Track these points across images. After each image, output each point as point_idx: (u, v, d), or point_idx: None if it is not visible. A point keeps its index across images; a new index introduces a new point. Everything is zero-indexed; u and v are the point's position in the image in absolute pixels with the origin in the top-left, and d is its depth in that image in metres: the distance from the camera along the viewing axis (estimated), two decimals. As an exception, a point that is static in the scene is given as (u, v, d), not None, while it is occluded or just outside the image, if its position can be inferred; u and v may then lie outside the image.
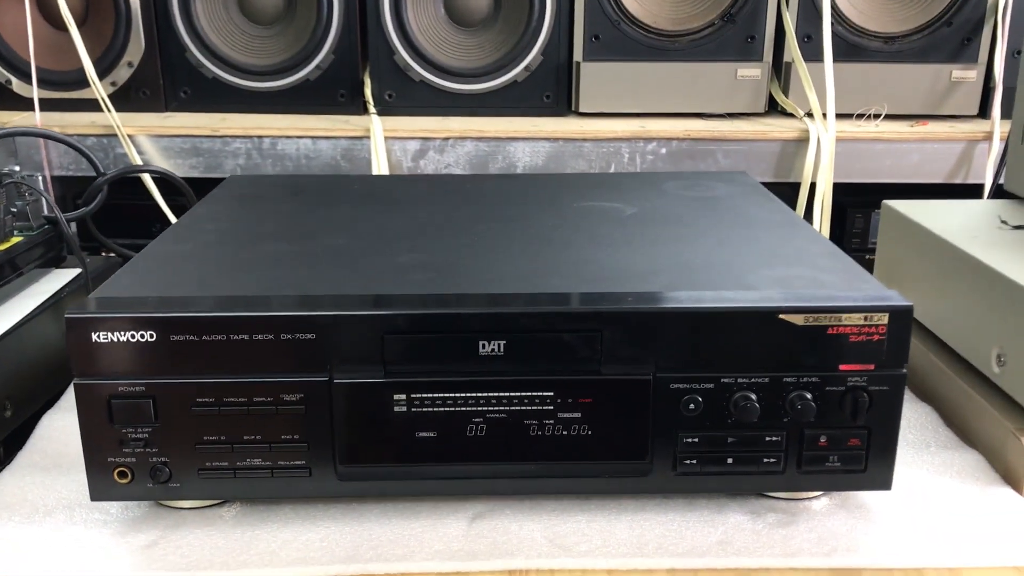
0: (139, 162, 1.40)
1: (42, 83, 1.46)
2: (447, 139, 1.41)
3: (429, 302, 0.57)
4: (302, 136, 1.41)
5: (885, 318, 0.56)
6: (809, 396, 0.57)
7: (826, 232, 1.39)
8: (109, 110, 1.39)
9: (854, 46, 1.44)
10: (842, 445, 0.58)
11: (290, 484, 0.58)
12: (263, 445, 0.57)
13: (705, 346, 0.57)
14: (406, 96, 1.48)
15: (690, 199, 0.83)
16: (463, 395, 0.57)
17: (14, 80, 1.47)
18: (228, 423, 0.56)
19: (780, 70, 1.47)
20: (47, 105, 1.47)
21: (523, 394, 0.57)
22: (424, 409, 0.57)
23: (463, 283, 0.61)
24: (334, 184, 0.93)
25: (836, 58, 1.40)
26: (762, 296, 0.57)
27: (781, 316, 0.56)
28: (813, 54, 1.42)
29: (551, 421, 0.57)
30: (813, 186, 1.38)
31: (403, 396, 0.56)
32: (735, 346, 0.57)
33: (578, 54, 1.45)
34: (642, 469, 0.59)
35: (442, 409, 0.57)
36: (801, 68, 1.42)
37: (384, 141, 1.40)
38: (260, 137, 1.41)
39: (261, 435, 0.56)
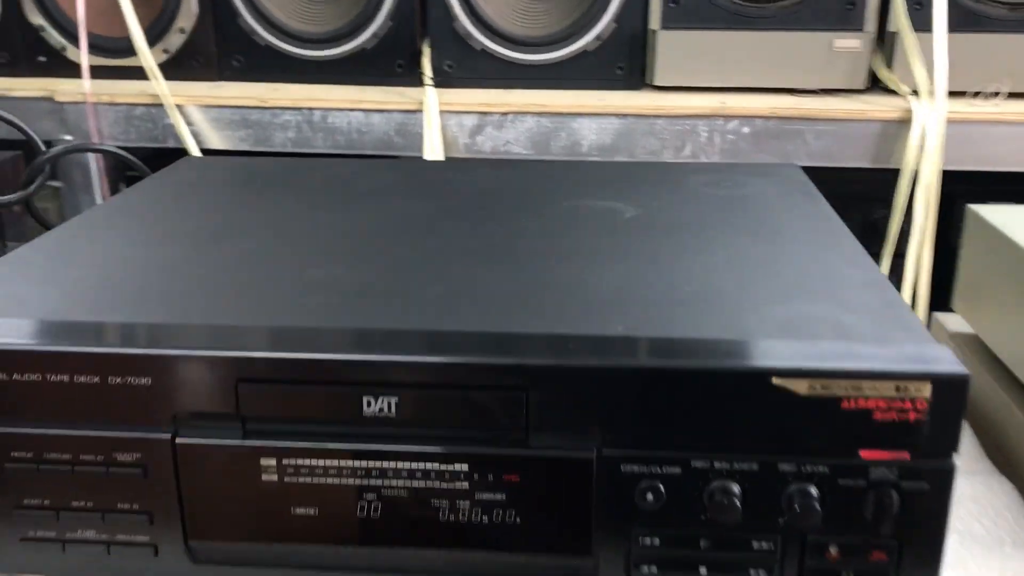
0: (186, 134, 1.34)
1: (95, 50, 1.41)
2: (506, 114, 1.30)
3: (295, 340, 0.43)
4: (353, 109, 1.32)
5: (927, 389, 0.39)
6: (815, 492, 0.41)
7: (930, 228, 1.23)
8: (156, 78, 1.34)
9: (972, 13, 1.26)
10: (862, 560, 0.42)
11: (131, 563, 0.45)
12: (95, 514, 0.45)
13: (670, 416, 0.41)
14: (467, 67, 1.37)
15: (711, 199, 0.67)
16: (349, 464, 0.43)
17: (68, 46, 1.43)
18: (52, 484, 0.45)
19: (884, 41, 1.30)
20: (101, 73, 1.43)
21: (428, 466, 0.43)
22: (300, 479, 0.43)
23: (367, 311, 0.48)
24: (297, 169, 0.78)
25: (951, 28, 1.22)
26: (754, 349, 0.42)
27: (776, 380, 0.40)
28: (924, 23, 1.24)
29: (466, 503, 0.43)
30: (917, 174, 1.22)
31: (272, 462, 0.43)
32: (712, 419, 0.41)
33: (654, 22, 1.32)
34: (585, 570, 0.44)
35: (324, 480, 0.43)
36: (909, 39, 1.25)
37: (439, 116, 1.30)
38: (311, 109, 1.33)
39: (93, 501, 0.45)
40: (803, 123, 1.25)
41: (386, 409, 0.42)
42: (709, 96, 1.31)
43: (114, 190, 1.43)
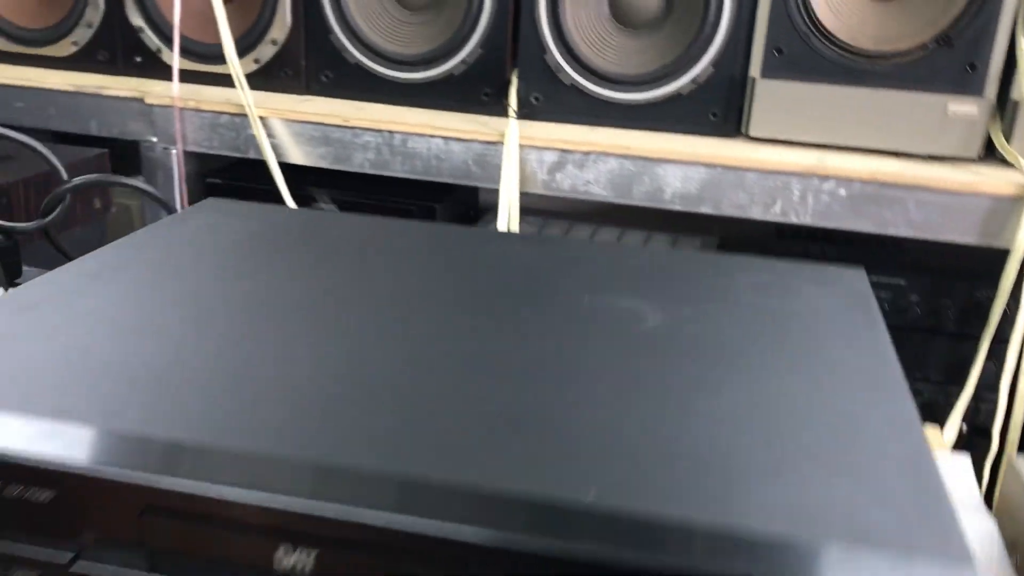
0: (267, 147, 1.34)
1: (188, 55, 1.42)
2: (588, 153, 1.25)
3: (212, 467, 0.36)
4: (434, 135, 1.29)
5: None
6: None
7: (1037, 316, 1.13)
8: (242, 88, 1.33)
9: (1109, 87, 1.15)
10: None
11: None
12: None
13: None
14: (554, 100, 1.32)
15: (750, 310, 0.55)
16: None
17: (164, 49, 1.44)
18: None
19: (1004, 109, 1.20)
20: (193, 78, 1.44)
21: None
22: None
23: (308, 437, 0.39)
24: (309, 226, 0.68)
25: (1082, 100, 1.12)
26: (725, 547, 0.32)
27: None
28: (1052, 93, 1.14)
29: None
30: (1028, 256, 1.12)
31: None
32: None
33: (755, 69, 1.25)
34: None
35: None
36: (1033, 108, 1.15)
37: (519, 149, 1.26)
38: (391, 132, 1.30)
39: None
40: (906, 190, 1.16)
41: (303, 565, 0.36)
42: (806, 152, 1.23)
43: (192, 193, 1.43)
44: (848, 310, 0.57)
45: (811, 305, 0.58)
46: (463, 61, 1.34)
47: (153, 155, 1.41)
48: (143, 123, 1.41)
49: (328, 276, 0.59)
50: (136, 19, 1.45)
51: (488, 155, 1.28)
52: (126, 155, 1.41)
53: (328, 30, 1.38)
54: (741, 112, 1.28)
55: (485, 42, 1.33)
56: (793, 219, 1.21)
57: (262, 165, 1.36)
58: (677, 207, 1.24)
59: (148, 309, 0.52)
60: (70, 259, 0.59)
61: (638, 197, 1.25)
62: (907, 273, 1.27)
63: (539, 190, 1.28)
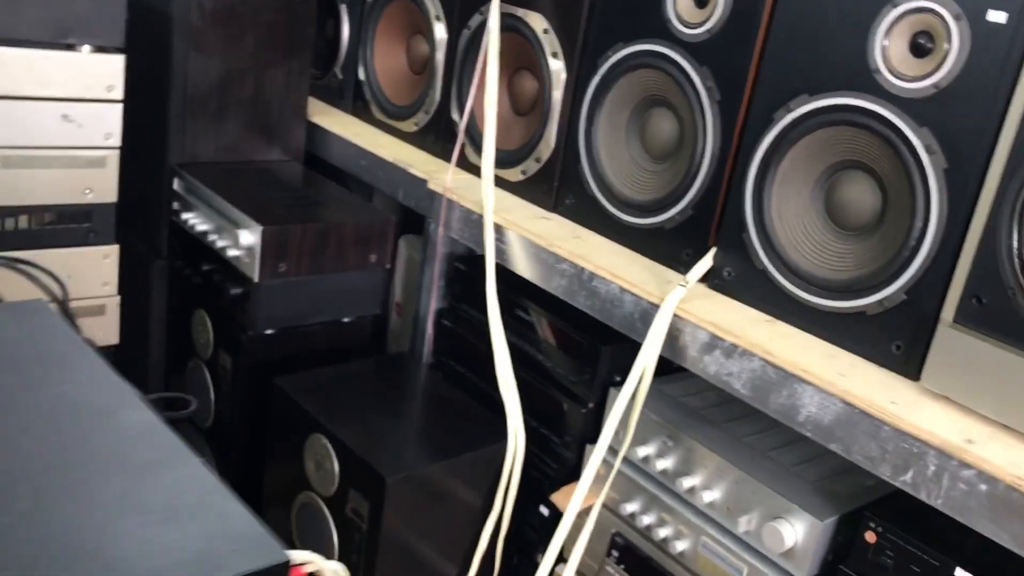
0: (490, 250, 1.47)
1: (479, 153, 1.62)
2: (736, 346, 1.17)
3: None
4: (613, 281, 1.32)
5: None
6: None
7: None
8: (487, 196, 1.49)
9: None
10: None
11: None
12: None
13: None
14: (744, 280, 1.26)
15: None
16: None
17: (468, 147, 1.66)
18: None
19: None
20: (477, 173, 1.64)
21: None
22: None
23: None
24: None
25: None
26: None
27: None
28: None
29: None
30: None
31: None
32: None
33: (948, 311, 1.05)
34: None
35: None
36: None
37: (672, 318, 1.23)
38: (583, 268, 1.36)
39: None
40: (1061, 518, 0.90)
41: None
42: (966, 425, 1.01)
43: (449, 271, 1.63)
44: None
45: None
46: (675, 216, 1.34)
47: (429, 229, 1.64)
48: (422, 199, 1.64)
49: None
50: (455, 116, 1.69)
51: (649, 316, 1.27)
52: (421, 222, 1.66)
53: (578, 161, 1.47)
54: (924, 355, 1.09)
55: (697, 204, 1.31)
56: (924, 496, 1.01)
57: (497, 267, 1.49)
58: (808, 433, 1.11)
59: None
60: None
61: (773, 408, 1.14)
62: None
63: (686, 364, 1.24)
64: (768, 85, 1.20)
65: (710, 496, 1.25)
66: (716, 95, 1.27)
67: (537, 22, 1.50)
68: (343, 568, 0.69)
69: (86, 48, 1.49)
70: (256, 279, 1.54)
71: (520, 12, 1.53)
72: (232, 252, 1.58)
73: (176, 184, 1.73)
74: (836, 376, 1.09)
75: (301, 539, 1.48)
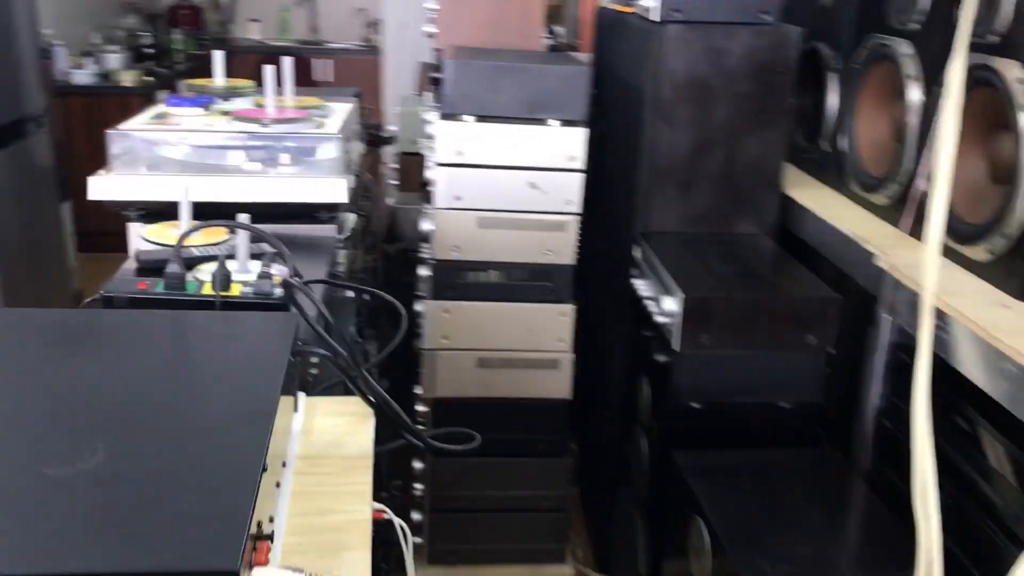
0: (925, 341, 1.23)
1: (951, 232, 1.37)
2: None
3: None
4: None
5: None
6: None
7: None
8: (924, 277, 1.24)
9: None
10: None
11: None
12: None
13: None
14: None
15: None
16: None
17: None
18: None
19: None
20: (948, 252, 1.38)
21: None
22: None
23: None
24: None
25: None
26: None
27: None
28: None
29: None
30: None
31: None
32: None
33: None
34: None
35: None
36: None
37: None
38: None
39: None
40: None
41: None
42: None
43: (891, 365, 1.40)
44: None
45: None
46: None
47: (877, 312, 1.43)
48: (878, 281, 1.43)
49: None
50: (919, 183, 1.45)
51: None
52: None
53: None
54: None
55: None
56: None
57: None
58: None
59: None
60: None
61: None
62: None
63: None
64: None
65: None
66: None
67: (1013, 71, 1.23)
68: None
69: (553, 122, 1.64)
70: (677, 348, 1.51)
71: (995, 62, 1.26)
72: (661, 319, 1.56)
73: (636, 251, 1.78)
74: None
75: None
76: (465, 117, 1.64)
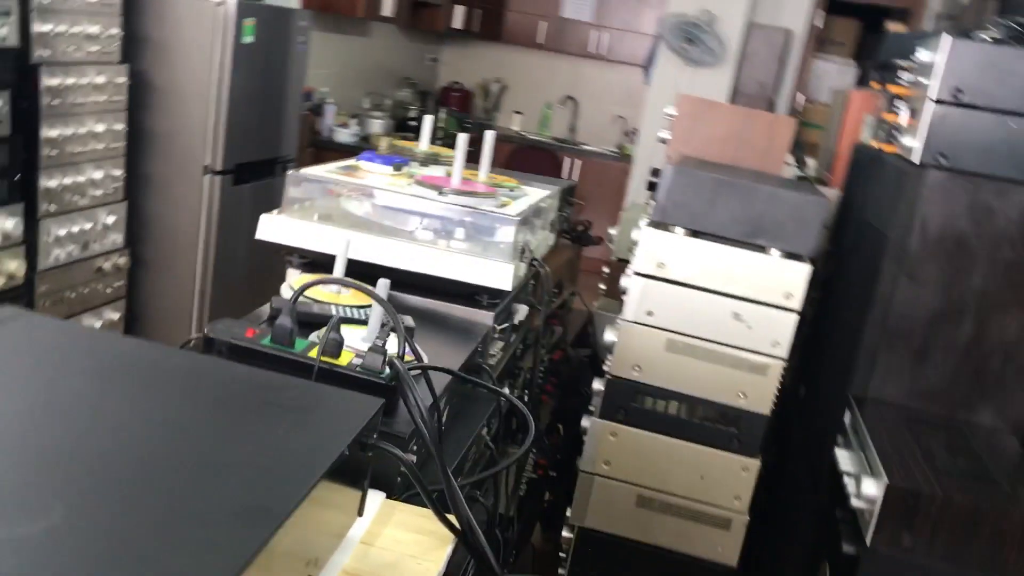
0: None
1: None
2: None
3: None
4: None
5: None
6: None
7: None
8: None
9: None
10: None
11: None
12: None
13: None
14: None
15: None
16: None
17: None
18: None
19: None
20: None
21: None
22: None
23: None
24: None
25: None
26: None
27: None
28: None
29: None
30: None
31: None
32: None
33: None
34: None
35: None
36: None
37: None
38: None
39: None
40: None
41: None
42: None
43: None
44: None
45: None
46: None
47: None
48: None
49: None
50: None
51: None
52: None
53: None
54: None
55: None
56: None
57: None
58: None
59: None
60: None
61: None
62: None
63: None
64: None
65: None
66: None
67: None
68: None
69: (775, 252, 1.45)
70: (868, 542, 1.24)
71: None
72: (857, 503, 1.30)
73: (846, 416, 1.53)
74: None
75: None
76: (675, 228, 1.49)
